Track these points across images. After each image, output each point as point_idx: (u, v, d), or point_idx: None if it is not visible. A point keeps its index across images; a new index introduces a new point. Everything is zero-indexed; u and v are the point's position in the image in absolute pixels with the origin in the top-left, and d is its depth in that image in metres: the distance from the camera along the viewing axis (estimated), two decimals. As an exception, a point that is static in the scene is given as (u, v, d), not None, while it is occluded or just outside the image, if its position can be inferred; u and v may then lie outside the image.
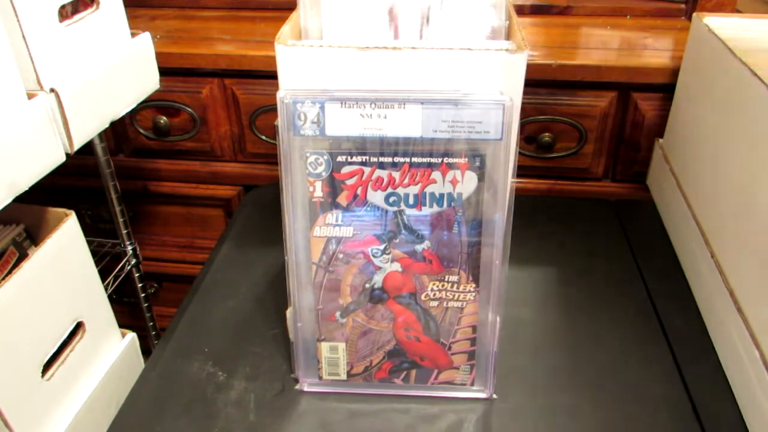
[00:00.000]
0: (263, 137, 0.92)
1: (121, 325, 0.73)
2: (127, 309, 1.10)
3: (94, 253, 0.68)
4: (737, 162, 0.59)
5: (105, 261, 0.86)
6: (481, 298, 0.52)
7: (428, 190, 0.48)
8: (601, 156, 0.88)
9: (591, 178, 0.90)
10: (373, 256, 0.51)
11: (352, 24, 0.53)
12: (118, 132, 0.96)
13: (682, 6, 0.96)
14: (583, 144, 0.86)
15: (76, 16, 0.61)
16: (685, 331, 0.63)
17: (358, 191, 0.49)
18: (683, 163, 0.74)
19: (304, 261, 0.51)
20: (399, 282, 0.52)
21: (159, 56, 0.74)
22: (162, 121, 0.92)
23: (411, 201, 0.49)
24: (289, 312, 0.55)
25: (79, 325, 0.65)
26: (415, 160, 0.47)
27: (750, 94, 0.57)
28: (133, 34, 0.70)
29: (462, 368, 0.55)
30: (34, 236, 0.67)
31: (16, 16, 0.53)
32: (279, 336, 0.63)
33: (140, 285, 0.94)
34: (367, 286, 0.52)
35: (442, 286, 0.52)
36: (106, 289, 0.70)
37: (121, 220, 0.87)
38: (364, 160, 0.48)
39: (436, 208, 0.49)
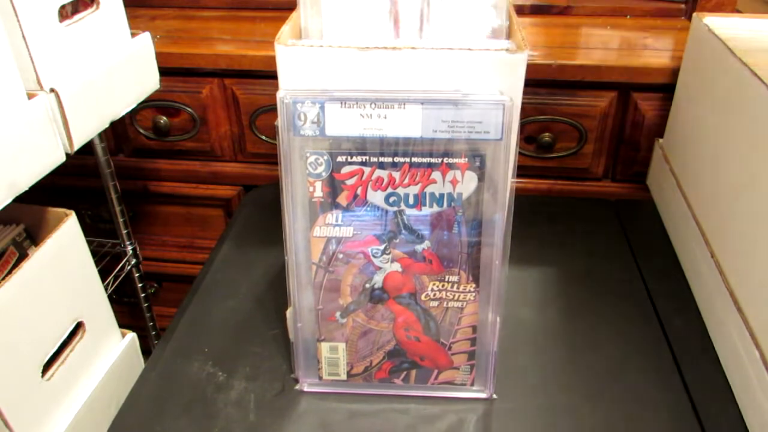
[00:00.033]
0: (263, 137, 0.92)
1: (121, 325, 0.73)
2: (127, 309, 1.10)
3: (94, 253, 0.68)
4: (737, 162, 0.59)
5: (105, 261, 0.86)
6: (481, 298, 0.52)
7: (428, 190, 0.48)
8: (601, 156, 0.88)
9: (591, 178, 0.90)
10: (373, 256, 0.51)
11: (353, 23, 0.53)
12: (118, 132, 0.96)
13: (682, 6, 0.96)
14: (583, 144, 0.86)
15: (76, 16, 0.61)
16: (685, 331, 0.63)
17: (358, 191, 0.49)
18: (683, 163, 0.74)
19: (304, 261, 0.51)
20: (399, 282, 0.52)
21: (159, 56, 0.74)
22: (162, 121, 0.92)
23: (411, 201, 0.49)
24: (289, 312, 0.55)
25: (79, 325, 0.65)
26: (415, 160, 0.47)
27: (750, 94, 0.57)
28: (133, 34, 0.70)
29: (462, 368, 0.55)
30: (34, 236, 0.67)
31: (16, 16, 0.53)
32: (279, 336, 0.63)
33: (140, 285, 0.94)
34: (367, 286, 0.52)
35: (442, 286, 0.52)
36: (106, 289, 0.70)
37: (121, 220, 0.87)
38: (364, 160, 0.48)
39: (436, 208, 0.49)
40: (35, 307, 0.58)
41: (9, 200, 0.53)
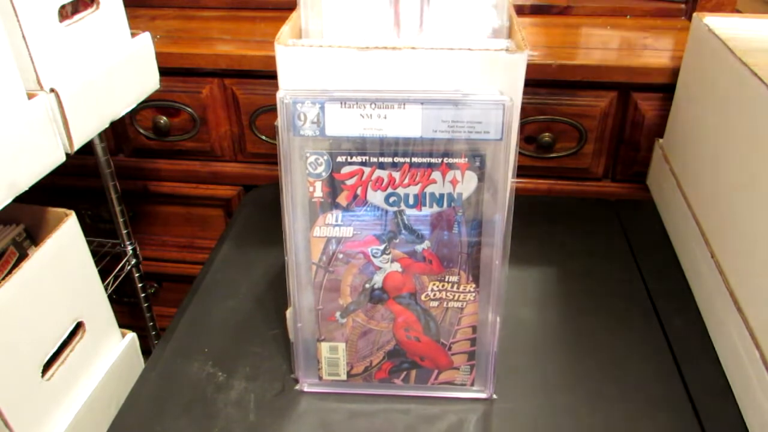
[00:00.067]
0: (263, 137, 0.92)
1: (121, 325, 0.73)
2: (127, 309, 1.10)
3: (94, 253, 0.68)
4: (737, 162, 0.59)
5: (105, 261, 0.86)
6: (481, 298, 0.52)
7: (428, 190, 0.48)
8: (601, 156, 0.88)
9: (591, 178, 0.90)
10: (373, 256, 0.51)
11: (353, 22, 0.53)
12: (118, 132, 0.96)
13: (682, 6, 0.96)
14: (583, 144, 0.86)
15: (76, 16, 0.61)
16: (685, 331, 0.63)
17: (358, 191, 0.49)
18: (683, 163, 0.74)
19: (304, 261, 0.51)
20: (399, 282, 0.52)
21: (159, 56, 0.74)
22: (162, 121, 0.92)
23: (411, 201, 0.49)
24: (289, 312, 0.55)
25: (79, 325, 0.65)
26: (415, 160, 0.47)
27: (750, 94, 0.57)
28: (133, 34, 0.70)
29: (462, 368, 0.55)
30: (34, 236, 0.67)
31: (16, 16, 0.53)
32: (279, 336, 0.63)
33: (140, 285, 0.94)
34: (367, 286, 0.52)
35: (442, 286, 0.52)
36: (106, 289, 0.70)
37: (121, 220, 0.87)
38: (364, 161, 0.48)
39: (436, 208, 0.49)
40: (35, 307, 0.58)
41: (9, 200, 0.53)
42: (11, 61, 0.53)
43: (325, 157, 0.48)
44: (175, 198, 1.01)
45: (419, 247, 0.51)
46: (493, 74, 0.47)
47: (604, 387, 0.57)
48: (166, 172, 0.98)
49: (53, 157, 0.58)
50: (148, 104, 0.91)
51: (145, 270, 0.98)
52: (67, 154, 0.60)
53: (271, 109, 0.89)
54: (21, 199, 0.55)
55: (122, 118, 0.77)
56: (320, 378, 0.57)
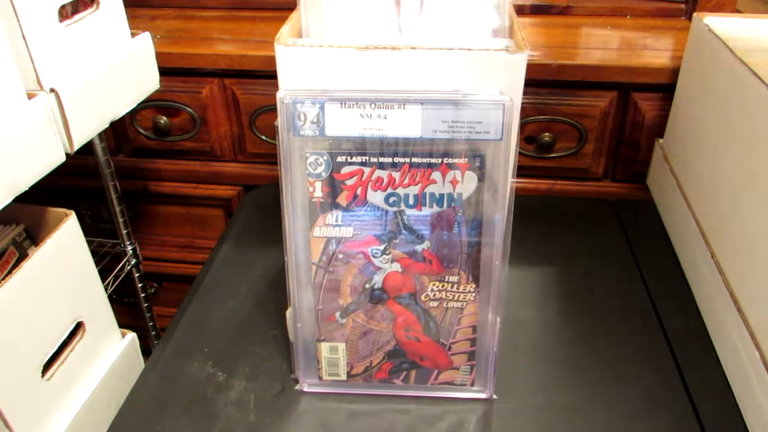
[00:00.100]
0: (263, 137, 0.92)
1: (121, 325, 0.73)
2: (127, 309, 1.10)
3: (94, 253, 0.68)
4: (737, 162, 0.59)
5: (105, 261, 0.86)
6: (481, 298, 0.52)
7: (428, 190, 0.48)
8: (601, 156, 0.88)
9: (591, 178, 0.90)
10: (373, 256, 0.51)
11: (353, 22, 0.53)
12: (118, 132, 0.96)
13: (682, 6, 0.96)
14: (583, 144, 0.86)
15: (76, 16, 0.61)
16: (685, 331, 0.63)
17: (358, 191, 0.49)
18: (683, 163, 0.74)
19: (304, 261, 0.51)
20: (399, 282, 0.52)
21: (159, 56, 0.74)
22: (162, 121, 0.92)
23: (411, 201, 0.49)
24: (289, 312, 0.55)
25: (79, 325, 0.65)
26: (415, 160, 0.47)
27: (750, 94, 0.57)
28: (133, 34, 0.70)
29: (462, 368, 0.55)
30: (34, 236, 0.67)
31: (16, 16, 0.53)
32: (279, 336, 0.63)
33: (140, 285, 0.94)
34: (367, 286, 0.52)
35: (442, 286, 0.52)
36: (106, 289, 0.70)
37: (121, 220, 0.87)
38: (364, 161, 0.48)
39: (436, 209, 0.49)
40: (35, 307, 0.58)
41: (9, 200, 0.53)
42: (11, 61, 0.53)
43: (325, 157, 0.48)
44: (175, 198, 1.01)
45: (419, 248, 0.51)
46: (493, 74, 0.47)
47: (604, 387, 0.57)
48: (166, 172, 0.98)
49: (53, 157, 0.58)
50: (148, 104, 0.91)
51: (145, 270, 0.98)
52: (67, 154, 0.60)
53: (271, 109, 0.89)
54: (21, 199, 0.55)
55: (122, 118, 0.77)
56: (320, 378, 0.57)
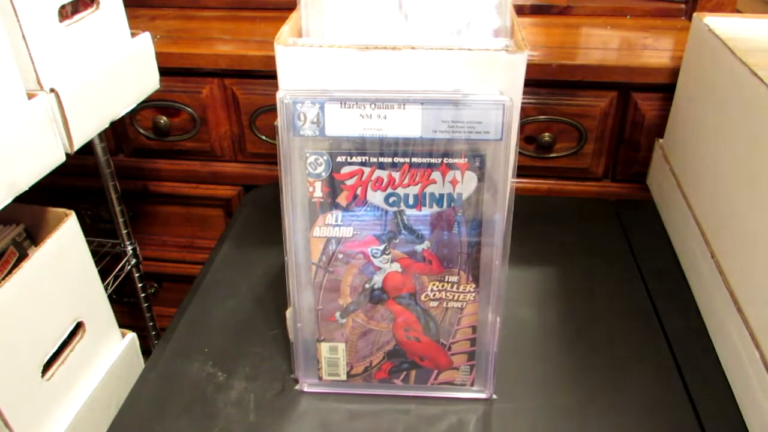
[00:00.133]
0: (263, 137, 0.92)
1: (121, 325, 0.73)
2: (127, 309, 1.10)
3: (94, 253, 0.68)
4: (737, 162, 0.59)
5: (105, 261, 0.86)
6: (481, 298, 0.52)
7: (428, 190, 0.48)
8: (601, 156, 0.88)
9: (591, 178, 0.90)
10: (373, 256, 0.51)
11: (354, 22, 0.53)
12: (118, 132, 0.96)
13: (682, 6, 0.96)
14: (583, 144, 0.86)
15: (76, 16, 0.61)
16: (685, 331, 0.63)
17: (358, 191, 0.49)
18: (683, 163, 0.74)
19: (304, 261, 0.51)
20: (399, 282, 0.52)
21: (159, 56, 0.74)
22: (162, 121, 0.92)
23: (411, 201, 0.49)
24: (288, 312, 0.55)
25: (79, 325, 0.65)
26: (414, 160, 0.47)
27: (750, 94, 0.57)
28: (133, 34, 0.70)
29: (462, 368, 0.55)
30: (34, 236, 0.67)
31: (16, 16, 0.53)
32: (279, 336, 0.63)
33: (140, 285, 0.94)
34: (367, 286, 0.52)
35: (442, 286, 0.52)
36: (106, 289, 0.70)
37: (121, 220, 0.87)
38: (363, 161, 0.48)
39: (436, 209, 0.49)
40: (35, 307, 0.58)
41: (9, 200, 0.53)
42: (11, 61, 0.53)
43: (325, 157, 0.48)
44: (175, 198, 1.01)
45: (419, 248, 0.51)
46: (493, 74, 0.47)
47: (604, 387, 0.57)
48: (166, 172, 0.98)
49: (53, 157, 0.58)
50: (148, 104, 0.91)
51: (145, 270, 0.98)
52: (67, 154, 0.60)
53: (271, 109, 0.89)
54: (21, 199, 0.55)
55: (122, 118, 0.77)
56: (320, 378, 0.57)
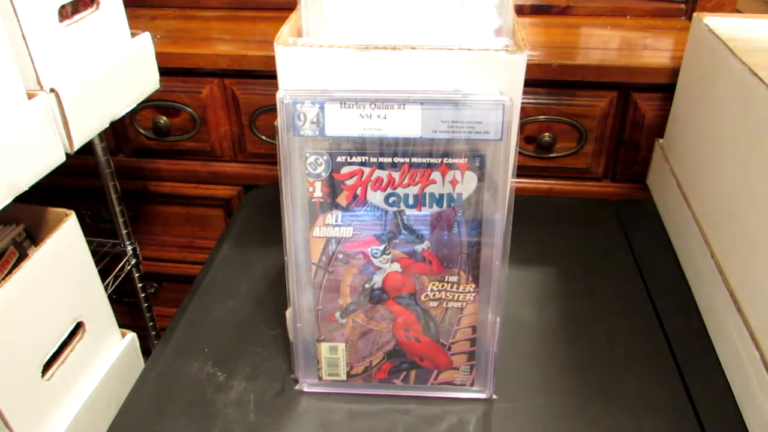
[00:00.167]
0: (263, 137, 0.92)
1: (121, 325, 0.73)
2: (127, 309, 1.10)
3: (94, 253, 0.68)
4: (737, 162, 0.59)
5: (105, 261, 0.86)
6: (481, 298, 0.52)
7: (428, 190, 0.48)
8: (601, 156, 0.88)
9: (591, 178, 0.90)
10: (373, 256, 0.51)
11: (354, 15, 0.53)
12: (118, 132, 0.96)
13: (682, 6, 0.96)
14: (583, 144, 0.86)
15: (76, 16, 0.61)
16: (685, 331, 0.63)
17: (358, 191, 0.49)
18: (683, 163, 0.74)
19: (304, 261, 0.51)
20: (399, 282, 0.52)
21: (159, 56, 0.74)
22: (162, 121, 0.92)
23: (411, 201, 0.49)
24: (288, 312, 0.55)
25: (79, 325, 0.65)
26: (414, 160, 0.47)
27: (750, 94, 0.57)
28: (133, 34, 0.70)
29: (462, 368, 0.55)
30: (34, 236, 0.67)
31: (16, 16, 0.53)
32: (279, 336, 0.63)
33: (140, 285, 0.94)
34: (367, 286, 0.52)
35: (442, 286, 0.52)
36: (106, 289, 0.70)
37: (121, 220, 0.87)
38: (363, 161, 0.48)
39: (435, 209, 0.49)
40: (35, 307, 0.58)
41: (9, 200, 0.53)
42: (11, 61, 0.53)
43: (325, 157, 0.48)
44: (175, 198, 1.01)
45: (419, 248, 0.51)
46: (493, 74, 0.47)
47: (604, 387, 0.57)
48: (166, 172, 0.98)
49: (53, 157, 0.58)
50: (148, 104, 0.91)
51: (145, 270, 0.98)
52: (67, 154, 0.60)
53: (271, 109, 0.89)
54: (21, 199, 0.55)
55: (122, 118, 0.77)
56: (320, 378, 0.57)
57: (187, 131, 0.93)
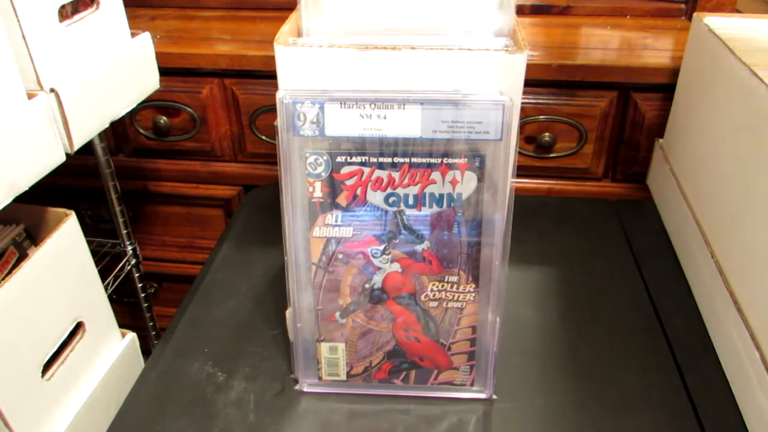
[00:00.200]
0: (263, 137, 0.92)
1: (121, 325, 0.73)
2: (127, 309, 1.10)
3: (94, 253, 0.68)
4: (737, 162, 0.59)
5: (105, 261, 0.86)
6: (481, 298, 0.52)
7: (428, 190, 0.48)
8: (601, 156, 0.88)
9: (591, 178, 0.90)
10: (373, 256, 0.51)
11: (354, 15, 0.53)
12: (118, 132, 0.96)
13: (682, 6, 0.96)
14: (583, 144, 0.86)
15: (76, 16, 0.61)
16: (685, 331, 0.63)
17: (358, 191, 0.49)
18: (683, 163, 0.74)
19: (304, 261, 0.51)
20: (399, 282, 0.52)
21: (159, 56, 0.74)
22: (162, 121, 0.92)
23: (411, 201, 0.49)
24: (288, 312, 0.55)
25: (79, 325, 0.65)
26: (414, 160, 0.47)
27: (750, 94, 0.57)
28: (133, 34, 0.70)
29: (462, 369, 0.55)
30: (34, 236, 0.67)
31: (16, 16, 0.53)
32: (279, 336, 0.63)
33: (140, 285, 0.94)
34: (367, 286, 0.52)
35: (442, 286, 0.52)
36: (106, 289, 0.70)
37: (121, 220, 0.87)
38: (363, 161, 0.48)
39: (435, 209, 0.49)
40: (35, 307, 0.58)
41: (9, 200, 0.53)
42: (11, 61, 0.53)
43: (325, 158, 0.48)
44: (175, 198, 1.01)
45: (419, 248, 0.51)
46: (493, 74, 0.47)
47: (603, 387, 0.57)
48: (166, 172, 0.98)
49: (53, 157, 0.58)
50: (148, 104, 0.91)
51: (145, 270, 0.98)
52: (67, 154, 0.60)
53: (271, 109, 0.89)
54: (21, 199, 0.55)
55: (122, 118, 0.77)
56: (320, 378, 0.57)
57: (187, 131, 0.93)
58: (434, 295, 0.52)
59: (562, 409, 0.55)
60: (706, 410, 0.55)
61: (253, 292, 0.69)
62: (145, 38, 0.71)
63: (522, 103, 0.48)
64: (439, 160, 0.47)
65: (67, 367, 0.63)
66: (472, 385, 0.56)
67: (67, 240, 0.61)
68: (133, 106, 0.70)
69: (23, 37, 0.54)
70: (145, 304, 0.97)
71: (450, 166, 0.47)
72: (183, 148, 0.95)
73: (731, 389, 0.56)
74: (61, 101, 0.58)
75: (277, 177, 0.48)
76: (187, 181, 0.98)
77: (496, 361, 0.55)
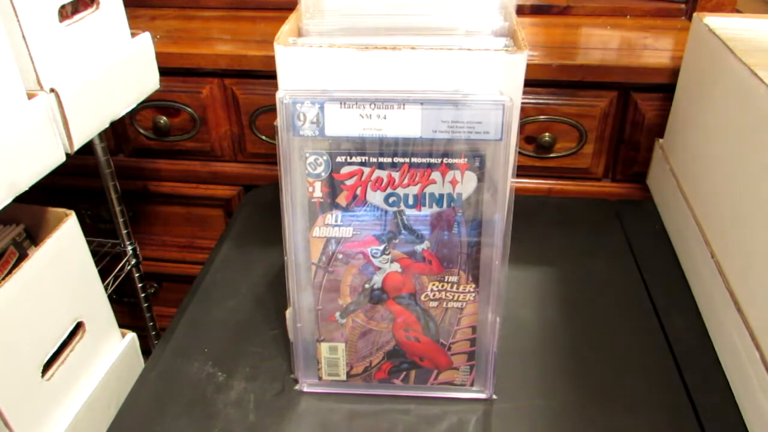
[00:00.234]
0: (263, 137, 0.92)
1: (121, 325, 0.73)
2: (127, 309, 1.10)
3: (94, 253, 0.68)
4: (737, 162, 0.59)
5: (105, 261, 0.86)
6: (481, 298, 0.52)
7: (428, 190, 0.48)
8: (601, 156, 0.88)
9: (591, 178, 0.90)
10: (373, 256, 0.51)
11: (354, 15, 0.53)
12: (118, 132, 0.96)
13: (682, 6, 0.96)
14: (583, 144, 0.86)
15: (76, 16, 0.61)
16: (685, 331, 0.63)
17: (358, 191, 0.49)
18: (683, 163, 0.74)
19: (304, 261, 0.51)
20: (399, 282, 0.52)
21: (159, 56, 0.74)
22: (162, 121, 0.92)
23: (411, 201, 0.49)
24: (288, 312, 0.55)
25: (79, 325, 0.65)
26: (414, 160, 0.47)
27: (750, 94, 0.57)
28: (133, 34, 0.70)
29: (462, 369, 0.55)
30: (34, 236, 0.67)
31: (16, 16, 0.53)
32: (279, 336, 0.63)
33: (140, 285, 0.94)
34: (367, 286, 0.52)
35: (442, 286, 0.52)
36: (106, 289, 0.70)
37: (121, 220, 0.87)
38: (363, 161, 0.48)
39: (435, 209, 0.49)
40: (35, 307, 0.58)
41: (9, 200, 0.53)
42: (11, 61, 0.53)
43: (325, 158, 0.48)
44: (175, 198, 1.01)
45: (419, 248, 0.51)
46: (492, 74, 0.47)
47: (603, 387, 0.57)
48: (166, 172, 0.98)
49: (53, 157, 0.58)
50: (148, 104, 0.91)
51: (145, 270, 0.98)
52: (67, 154, 0.60)
53: (271, 109, 0.89)
54: (21, 199, 0.55)
55: (122, 118, 0.77)
56: (320, 378, 0.57)
57: (187, 131, 0.93)
58: (434, 295, 0.52)
59: (562, 409, 0.55)
60: (706, 410, 0.55)
61: (253, 292, 0.69)
62: (145, 38, 0.71)
63: (522, 103, 0.48)
64: (439, 160, 0.47)
65: (67, 367, 0.63)
66: (472, 385, 0.56)
67: (67, 240, 0.61)
68: (133, 106, 0.70)
69: (23, 37, 0.54)
70: (145, 304, 0.97)
71: (450, 166, 0.47)
72: (183, 148, 0.95)
73: (731, 389, 0.57)
74: (61, 101, 0.58)
75: (277, 177, 0.48)
76: (187, 181, 0.98)
77: (496, 361, 0.55)
